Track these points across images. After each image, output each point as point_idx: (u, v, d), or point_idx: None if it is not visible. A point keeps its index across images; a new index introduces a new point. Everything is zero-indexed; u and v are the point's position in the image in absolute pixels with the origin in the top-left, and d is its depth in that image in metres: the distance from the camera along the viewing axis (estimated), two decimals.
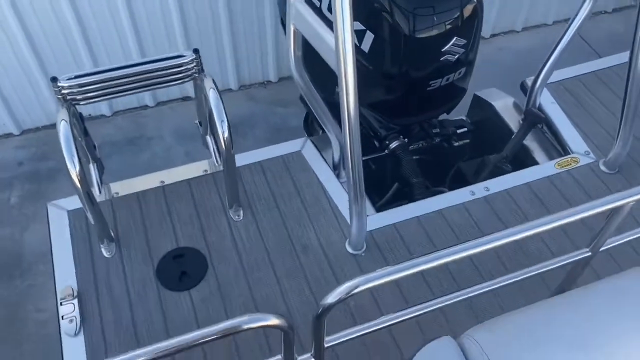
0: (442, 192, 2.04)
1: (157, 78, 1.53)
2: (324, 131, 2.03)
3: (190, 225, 1.79)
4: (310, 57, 1.67)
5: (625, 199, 1.14)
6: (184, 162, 2.09)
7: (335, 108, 1.86)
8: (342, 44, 1.32)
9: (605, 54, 2.51)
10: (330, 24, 1.38)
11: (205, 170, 1.95)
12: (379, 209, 1.95)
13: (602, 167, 2.00)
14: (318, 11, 1.68)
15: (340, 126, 1.49)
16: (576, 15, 1.97)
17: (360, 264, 1.73)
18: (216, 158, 1.92)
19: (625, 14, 4.55)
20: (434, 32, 1.86)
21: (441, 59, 1.92)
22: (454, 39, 1.89)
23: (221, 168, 1.89)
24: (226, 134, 1.56)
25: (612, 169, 1.99)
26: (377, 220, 1.84)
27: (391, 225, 1.83)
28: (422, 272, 1.04)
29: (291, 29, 1.60)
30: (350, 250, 1.75)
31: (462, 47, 1.93)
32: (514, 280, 1.36)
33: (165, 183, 1.90)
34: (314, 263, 1.72)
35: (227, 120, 1.56)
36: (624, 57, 2.37)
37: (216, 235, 1.78)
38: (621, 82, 2.27)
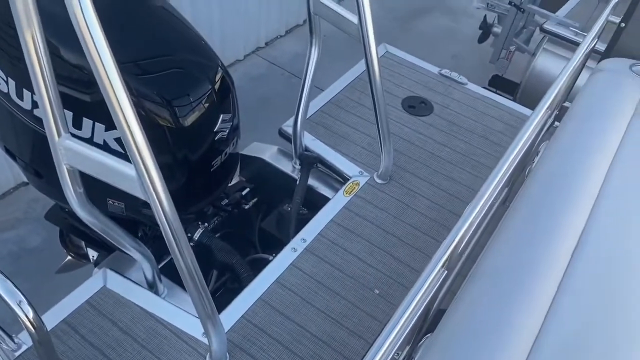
0: (265, 259, 2.03)
1: None
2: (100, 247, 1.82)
3: None
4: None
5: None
6: None
7: (123, 222, 1.68)
8: None
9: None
10: None
11: None
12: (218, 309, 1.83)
13: (378, 180, 2.26)
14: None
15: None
16: (308, 60, 2.15)
17: None
18: None
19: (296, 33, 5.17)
20: (199, 117, 1.82)
21: (216, 138, 1.89)
22: (221, 117, 1.88)
23: None
24: None
25: (385, 179, 2.26)
26: (224, 320, 1.72)
27: (241, 318, 1.74)
28: None
29: (64, 169, 1.37)
30: None
31: (229, 120, 1.93)
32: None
33: None
34: None
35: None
36: (343, 82, 2.70)
37: None
38: (351, 103, 2.60)
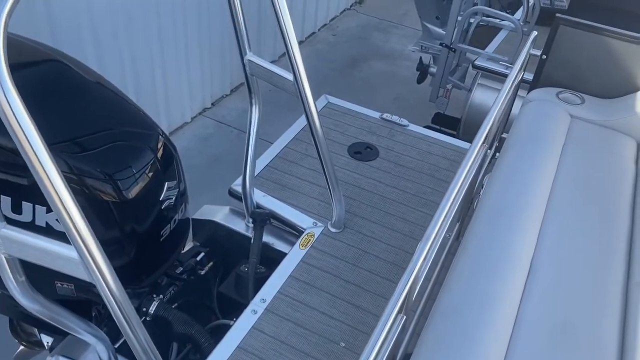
0: (226, 325, 1.98)
1: None
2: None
3: None
4: None
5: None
6: None
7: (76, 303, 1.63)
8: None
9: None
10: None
11: None
12: None
13: (333, 230, 2.26)
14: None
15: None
16: (250, 119, 2.17)
17: None
18: None
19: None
20: (143, 187, 1.80)
21: (162, 207, 1.87)
22: (165, 185, 1.87)
23: None
24: None
25: (340, 228, 2.27)
26: None
27: None
28: None
29: (2, 259, 1.32)
30: None
31: (175, 187, 1.92)
32: None
33: None
34: None
35: None
36: (288, 135, 2.73)
37: None
38: (298, 155, 2.63)
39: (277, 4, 1.74)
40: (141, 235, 1.86)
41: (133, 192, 1.79)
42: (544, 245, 1.68)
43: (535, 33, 2.26)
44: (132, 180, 1.79)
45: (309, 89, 1.90)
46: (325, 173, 2.09)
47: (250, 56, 2.00)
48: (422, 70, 4.53)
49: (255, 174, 2.46)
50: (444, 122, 4.20)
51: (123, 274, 1.90)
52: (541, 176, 1.90)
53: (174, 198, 1.91)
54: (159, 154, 1.89)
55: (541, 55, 2.34)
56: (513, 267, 1.57)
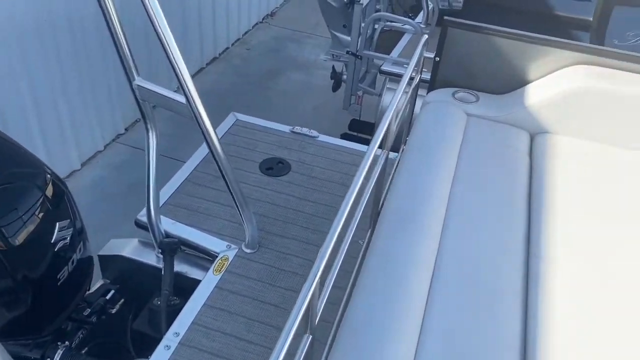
0: None
1: None
2: None
3: None
4: None
5: None
6: None
7: None
8: None
9: None
10: None
11: None
12: None
13: (247, 250, 2.21)
14: None
15: None
16: (148, 146, 2.09)
17: None
18: None
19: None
20: (32, 231, 1.69)
21: (56, 249, 1.76)
22: (57, 225, 1.76)
23: None
24: None
25: (254, 247, 2.22)
26: None
27: None
28: None
29: None
30: None
31: (68, 227, 1.81)
32: None
33: None
34: None
35: None
36: (196, 158, 2.66)
37: None
38: (207, 177, 2.56)
39: (157, 25, 1.68)
40: (36, 281, 1.74)
41: (21, 237, 1.67)
42: (446, 246, 1.70)
43: (426, 36, 2.31)
44: (19, 224, 1.68)
45: (203, 109, 1.85)
46: (232, 194, 2.04)
47: (139, 81, 1.93)
48: (336, 79, 4.56)
49: (164, 200, 2.38)
50: (360, 128, 4.24)
51: (21, 324, 1.79)
52: (441, 176, 1.94)
53: (68, 237, 1.81)
54: (48, 193, 1.78)
55: (434, 57, 2.40)
56: (417, 272, 1.58)
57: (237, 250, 2.21)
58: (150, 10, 1.66)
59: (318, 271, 1.28)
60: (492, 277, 1.62)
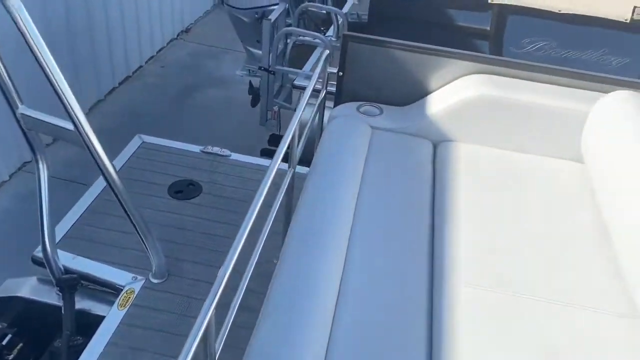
0: None
1: None
2: None
3: None
4: None
5: None
6: None
7: None
8: None
9: None
10: None
11: None
12: None
13: (155, 281, 2.12)
14: None
15: None
16: (38, 176, 1.97)
17: None
18: None
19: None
20: None
21: None
22: None
23: None
24: None
25: (163, 277, 2.13)
26: None
27: None
28: None
29: None
30: None
31: None
32: None
33: None
34: None
35: None
36: (98, 186, 2.53)
37: None
38: (111, 204, 2.43)
39: (35, 49, 1.57)
40: None
41: None
42: (354, 257, 1.70)
43: (327, 52, 2.31)
44: None
45: (94, 135, 1.74)
46: (132, 223, 1.94)
47: (23, 109, 1.80)
48: (254, 94, 4.51)
49: (63, 233, 2.24)
50: (279, 142, 4.20)
51: None
52: (347, 190, 1.93)
53: None
54: None
55: (337, 72, 2.40)
56: (325, 287, 1.56)
57: (144, 281, 2.11)
58: (28, 35, 1.55)
59: (215, 296, 1.23)
60: (399, 287, 1.63)
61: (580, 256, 1.79)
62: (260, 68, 3.84)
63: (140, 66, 5.77)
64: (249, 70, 4.49)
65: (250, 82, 4.54)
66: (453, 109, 2.22)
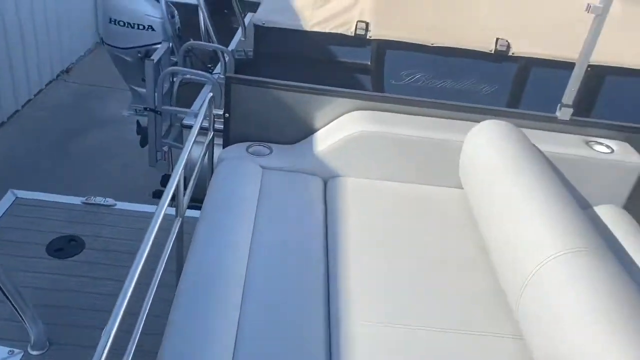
0: None
1: None
2: None
3: None
4: None
5: None
6: None
7: None
8: None
9: None
10: None
11: None
12: None
13: (35, 352, 1.93)
14: None
15: None
16: None
17: None
18: None
19: None
20: None
21: None
22: None
23: None
24: None
25: (43, 347, 1.95)
26: None
27: None
28: None
29: None
30: None
31: None
32: None
33: None
34: None
35: None
36: None
37: None
38: None
39: None
40: None
41: None
42: (249, 297, 1.66)
43: (210, 94, 2.28)
44: None
45: None
46: (3, 292, 1.77)
47: None
48: (142, 134, 4.35)
49: None
50: None
51: None
52: (239, 234, 1.89)
53: None
54: None
55: (224, 113, 2.38)
56: (220, 344, 1.50)
57: (22, 354, 1.92)
58: None
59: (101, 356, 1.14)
60: (297, 330, 1.61)
61: (470, 281, 1.87)
62: (146, 109, 3.71)
63: (17, 111, 5.38)
64: (136, 109, 4.33)
65: (137, 121, 4.37)
66: (339, 146, 2.27)
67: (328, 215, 2.13)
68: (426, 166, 2.31)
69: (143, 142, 4.47)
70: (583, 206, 2.28)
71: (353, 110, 2.33)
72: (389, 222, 2.09)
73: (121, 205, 2.66)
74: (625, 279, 1.52)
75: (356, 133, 2.24)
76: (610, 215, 2.23)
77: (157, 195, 3.99)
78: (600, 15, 2.14)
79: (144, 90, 4.19)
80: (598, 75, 3.20)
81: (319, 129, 2.38)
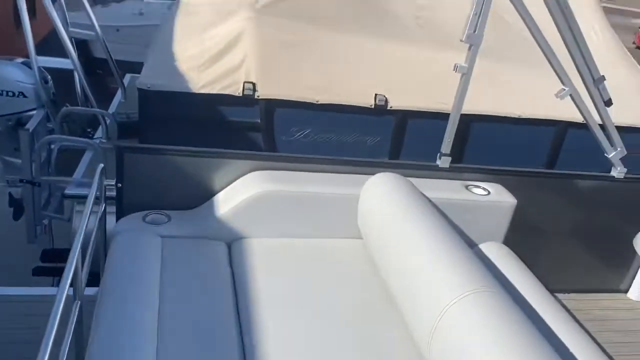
0: None
1: None
2: None
3: None
4: None
5: None
6: None
7: None
8: None
9: None
10: None
11: None
12: None
13: None
14: None
15: None
16: None
17: None
18: None
19: None
20: None
21: None
22: None
23: None
24: None
25: None
26: None
27: None
28: None
29: None
30: None
31: None
32: None
33: None
34: None
35: None
36: None
37: None
38: None
39: None
40: None
41: None
42: None
43: (102, 165, 2.19)
44: None
45: None
46: None
47: None
48: (16, 206, 4.01)
49: None
50: (56, 257, 3.77)
51: None
52: (144, 311, 1.80)
53: None
54: None
55: (116, 184, 2.29)
56: None
57: None
58: None
59: None
60: None
61: (381, 327, 1.94)
62: (22, 180, 3.45)
63: None
64: (8, 181, 4.00)
65: (9, 193, 4.03)
66: (239, 208, 2.27)
67: (235, 279, 2.11)
68: (327, 220, 2.38)
69: (16, 215, 4.12)
70: (470, 245, 2.48)
71: (251, 171, 2.36)
72: (296, 279, 2.12)
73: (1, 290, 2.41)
74: (518, 311, 1.68)
75: (256, 194, 2.26)
76: (494, 252, 2.45)
77: (39, 272, 3.67)
78: (465, 75, 2.40)
79: (18, 160, 3.90)
80: (471, 122, 3.53)
81: (217, 192, 2.37)
